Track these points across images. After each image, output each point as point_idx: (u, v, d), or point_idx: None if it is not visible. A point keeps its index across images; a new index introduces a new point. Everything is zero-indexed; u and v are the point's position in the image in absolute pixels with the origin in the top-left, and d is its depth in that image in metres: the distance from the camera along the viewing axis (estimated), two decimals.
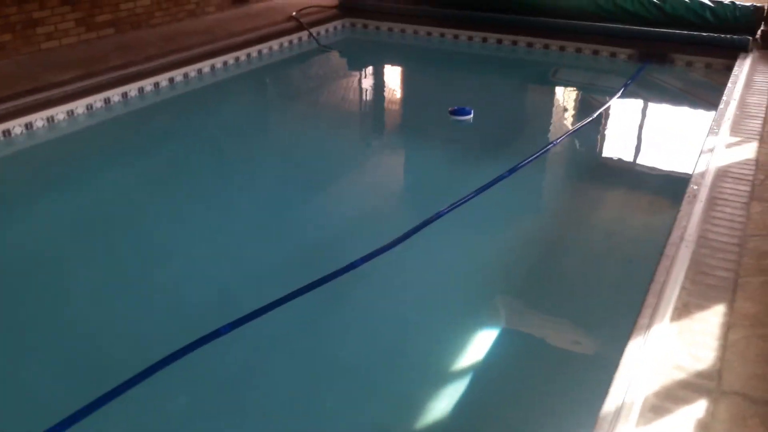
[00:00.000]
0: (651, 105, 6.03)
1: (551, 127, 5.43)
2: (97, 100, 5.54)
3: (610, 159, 5.00)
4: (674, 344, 2.35)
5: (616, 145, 5.21)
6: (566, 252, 3.75)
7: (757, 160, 3.84)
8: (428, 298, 3.35)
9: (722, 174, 3.67)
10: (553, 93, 6.62)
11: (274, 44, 7.33)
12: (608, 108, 5.68)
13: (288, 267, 3.56)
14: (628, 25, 6.87)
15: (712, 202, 3.35)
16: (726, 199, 3.38)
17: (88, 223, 4.05)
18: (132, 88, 5.81)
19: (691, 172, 3.74)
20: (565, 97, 6.51)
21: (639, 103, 6.06)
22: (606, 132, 5.40)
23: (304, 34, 7.70)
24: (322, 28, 8.07)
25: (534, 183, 4.50)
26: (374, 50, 8.08)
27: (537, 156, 4.62)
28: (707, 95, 5.90)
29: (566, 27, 7.11)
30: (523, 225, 3.98)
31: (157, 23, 7.22)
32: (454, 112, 5.28)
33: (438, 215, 3.83)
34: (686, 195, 3.43)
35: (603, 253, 3.69)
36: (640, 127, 5.46)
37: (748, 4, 6.60)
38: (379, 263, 3.47)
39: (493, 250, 3.73)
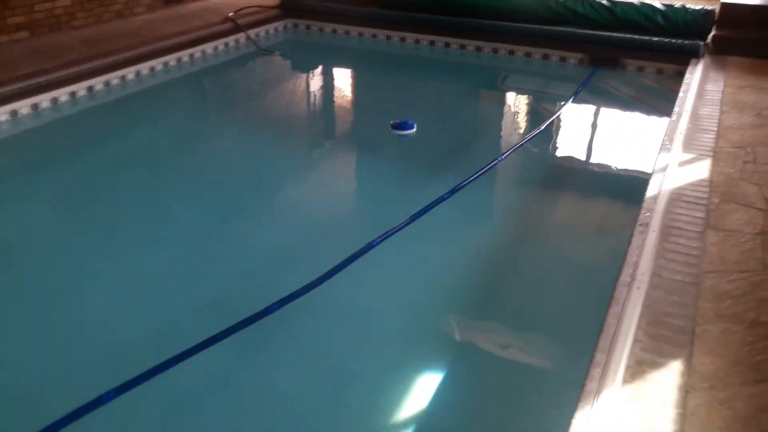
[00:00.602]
0: (601, 115, 5.79)
1: (498, 141, 5.12)
2: (0, 113, 5.00)
3: (558, 176, 4.70)
4: (627, 414, 2.05)
5: (564, 161, 4.92)
6: (510, 285, 3.44)
7: (710, 181, 3.59)
8: (365, 339, 3.01)
9: (675, 197, 3.41)
10: (502, 101, 6.32)
11: (208, 47, 6.86)
12: (557, 118, 5.42)
13: (206, 308, 3.16)
14: (579, 29, 6.63)
15: (665, 231, 3.08)
16: (680, 228, 3.11)
17: None
18: (43, 99, 5.29)
19: (642, 195, 3.47)
20: (514, 106, 6.22)
21: (589, 112, 5.82)
22: (554, 146, 5.13)
23: (241, 37, 7.25)
24: (262, 29, 7.63)
25: (476, 204, 4.18)
26: (317, 53, 7.67)
27: (480, 174, 4.31)
28: (659, 104, 5.70)
29: (515, 30, 6.83)
30: (464, 253, 3.65)
31: (79, 25, 6.66)
32: (396, 126, 4.93)
33: (372, 244, 3.48)
34: (638, 224, 3.16)
35: (549, 287, 3.39)
36: (590, 140, 5.21)
37: (698, 7, 6.43)
38: (309, 300, 3.11)
39: (431, 282, 3.39)
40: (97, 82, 5.71)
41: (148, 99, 5.91)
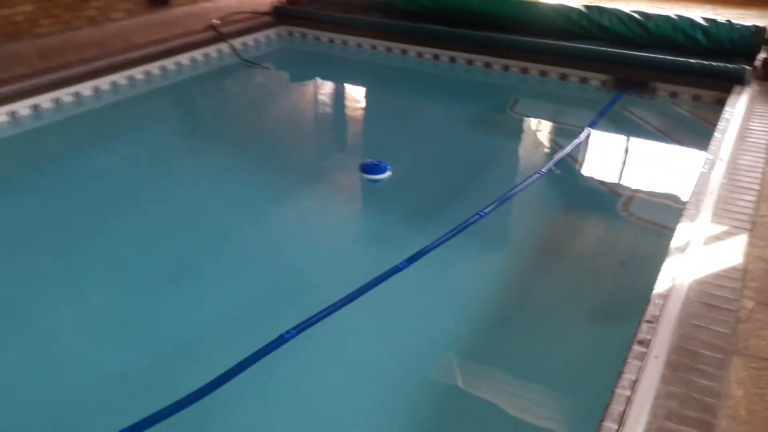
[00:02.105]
0: (619, 154, 4.84)
1: (492, 188, 4.18)
2: None
3: (550, 239, 3.75)
4: None
5: (560, 219, 3.99)
6: (455, 394, 2.63)
7: (745, 270, 2.70)
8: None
9: (694, 296, 2.53)
10: (507, 133, 5.34)
11: (184, 59, 6.18)
12: (566, 157, 4.53)
13: (131, 385, 2.60)
14: (604, 47, 5.71)
15: (674, 358, 2.22)
16: (694, 351, 2.25)
17: None
18: None
19: (649, 290, 2.60)
20: (521, 139, 5.28)
21: (605, 150, 4.90)
22: (553, 195, 4.26)
23: (225, 46, 6.55)
24: (251, 38, 6.93)
25: (443, 275, 3.36)
26: (308, 66, 6.90)
27: (454, 234, 3.49)
28: (691, 140, 4.78)
29: (530, 46, 5.95)
30: (417, 335, 2.86)
31: (44, 33, 6.07)
32: (366, 169, 4.10)
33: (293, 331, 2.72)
34: (635, 341, 2.30)
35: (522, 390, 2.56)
36: (598, 191, 4.30)
37: (747, 24, 5.45)
38: (257, 378, 2.51)
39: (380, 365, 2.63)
40: (44, 100, 5.07)
41: (103, 119, 5.24)
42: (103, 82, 5.47)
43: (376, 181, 4.05)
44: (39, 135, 4.89)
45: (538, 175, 4.19)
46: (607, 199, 4.21)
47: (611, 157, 4.77)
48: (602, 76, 5.70)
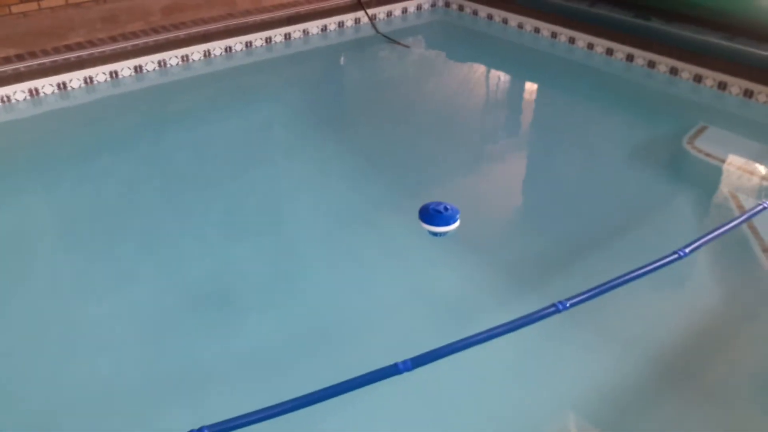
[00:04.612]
0: None
1: (609, 265, 2.98)
2: (18, 90, 4.34)
3: (678, 361, 2.58)
4: None
5: (699, 329, 2.72)
6: None
7: None
8: None
9: None
10: (672, 177, 3.80)
11: (314, 27, 5.57)
12: (744, 227, 3.16)
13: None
14: None
15: None
16: None
17: None
18: (74, 78, 4.53)
19: None
20: (690, 190, 3.72)
21: None
22: (702, 287, 2.95)
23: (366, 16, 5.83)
24: (398, 6, 6.10)
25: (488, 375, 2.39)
26: (453, 46, 5.88)
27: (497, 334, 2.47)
28: None
29: (734, 53, 4.40)
30: None
31: None
32: (427, 215, 3.05)
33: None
34: None
35: None
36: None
37: None
38: None
39: None
40: (148, 61, 4.80)
41: (209, 88, 4.84)
42: (215, 47, 5.07)
43: (437, 234, 3.06)
44: (137, 99, 4.63)
45: (675, 256, 2.92)
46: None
47: None
48: None
